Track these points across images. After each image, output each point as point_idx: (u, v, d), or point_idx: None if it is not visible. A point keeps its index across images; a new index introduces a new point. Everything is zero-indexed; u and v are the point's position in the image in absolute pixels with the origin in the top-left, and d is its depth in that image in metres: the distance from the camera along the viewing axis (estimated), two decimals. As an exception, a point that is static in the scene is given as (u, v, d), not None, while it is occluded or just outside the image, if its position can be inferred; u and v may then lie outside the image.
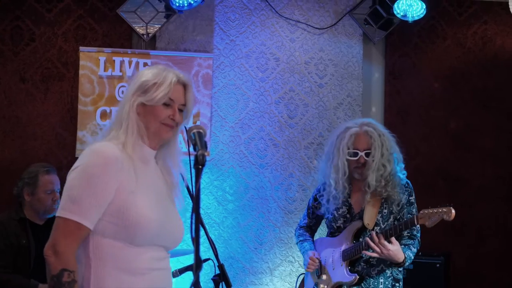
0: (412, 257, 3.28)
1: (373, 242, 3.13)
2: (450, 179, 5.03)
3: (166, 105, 2.11)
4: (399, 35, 5.00)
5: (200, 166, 1.73)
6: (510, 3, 4.36)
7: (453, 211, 2.98)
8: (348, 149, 3.29)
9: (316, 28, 4.87)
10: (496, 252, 4.99)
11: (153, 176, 2.17)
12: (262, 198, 4.82)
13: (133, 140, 2.09)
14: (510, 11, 4.41)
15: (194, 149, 1.81)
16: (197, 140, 1.83)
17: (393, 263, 3.24)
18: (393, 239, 3.16)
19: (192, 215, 1.67)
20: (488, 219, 5.01)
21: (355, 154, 3.27)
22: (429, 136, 5.04)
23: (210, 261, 2.90)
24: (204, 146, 1.83)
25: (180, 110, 2.14)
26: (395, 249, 3.14)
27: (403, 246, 3.25)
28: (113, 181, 2.04)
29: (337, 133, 3.40)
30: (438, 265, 4.58)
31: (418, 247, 3.35)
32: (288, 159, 4.85)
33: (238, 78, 4.82)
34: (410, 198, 3.34)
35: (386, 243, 3.13)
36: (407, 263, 3.25)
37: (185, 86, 2.17)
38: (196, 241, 1.64)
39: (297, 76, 4.86)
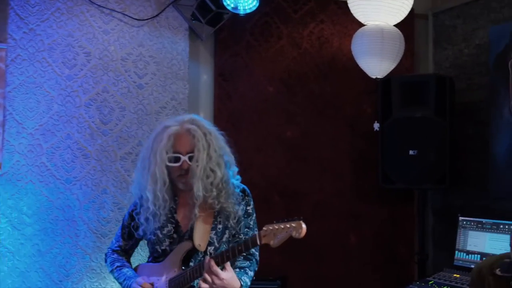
0: (249, 283, 2.89)
1: (205, 269, 2.72)
2: (286, 193, 4.80)
3: None
4: (230, 32, 4.69)
5: None
6: (349, 3, 4.24)
7: (303, 226, 2.54)
8: (167, 153, 2.86)
9: (135, 19, 4.40)
10: (336, 273, 4.83)
11: None
12: (68, 220, 4.23)
13: None
14: (347, 11, 4.31)
15: None
16: None
17: None
18: (227, 264, 2.73)
19: None
20: (327, 237, 4.84)
21: (177, 159, 2.84)
22: (264, 145, 4.77)
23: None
24: None
25: None
26: (229, 277, 2.71)
27: (237, 270, 2.85)
28: None
29: (154, 134, 2.95)
30: (274, 290, 4.34)
31: (256, 269, 2.99)
32: (101, 172, 4.31)
33: (39, 74, 4.20)
34: (248, 208, 2.97)
35: (218, 270, 2.69)
36: None
37: None
38: None
39: (112, 74, 4.36)
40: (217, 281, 2.68)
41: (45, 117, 4.21)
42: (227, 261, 2.72)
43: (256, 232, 2.72)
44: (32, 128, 4.18)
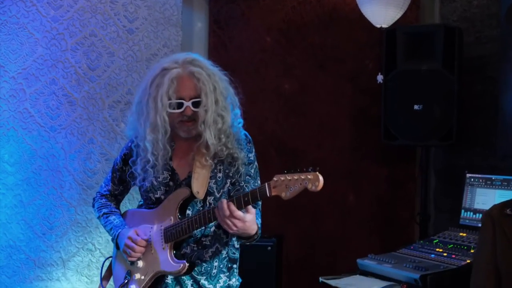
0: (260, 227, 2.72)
1: (225, 215, 2.49)
2: (283, 149, 4.64)
3: None
4: (226, -24, 4.52)
5: None
6: None
7: (321, 178, 2.31)
8: (170, 99, 2.63)
9: (125, -41, 4.23)
10: (332, 233, 4.69)
11: None
12: (53, 170, 4.08)
13: None
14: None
15: None
16: None
17: (243, 238, 2.61)
18: (249, 207, 2.50)
19: None
20: (324, 196, 4.68)
21: (180, 105, 2.61)
22: (260, 98, 4.60)
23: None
24: None
25: None
26: (250, 219, 2.49)
27: None
28: None
29: (151, 77, 2.70)
30: (269, 248, 4.25)
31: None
32: (88, 120, 4.14)
33: (22, 15, 4.02)
34: (250, 155, 2.73)
35: (241, 214, 2.45)
36: (259, 234, 2.63)
37: None
38: None
39: (100, 17, 4.17)
40: (239, 224, 2.51)
41: (29, 61, 4.03)
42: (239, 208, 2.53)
43: (260, 184, 2.52)
44: (14, 71, 4.01)
